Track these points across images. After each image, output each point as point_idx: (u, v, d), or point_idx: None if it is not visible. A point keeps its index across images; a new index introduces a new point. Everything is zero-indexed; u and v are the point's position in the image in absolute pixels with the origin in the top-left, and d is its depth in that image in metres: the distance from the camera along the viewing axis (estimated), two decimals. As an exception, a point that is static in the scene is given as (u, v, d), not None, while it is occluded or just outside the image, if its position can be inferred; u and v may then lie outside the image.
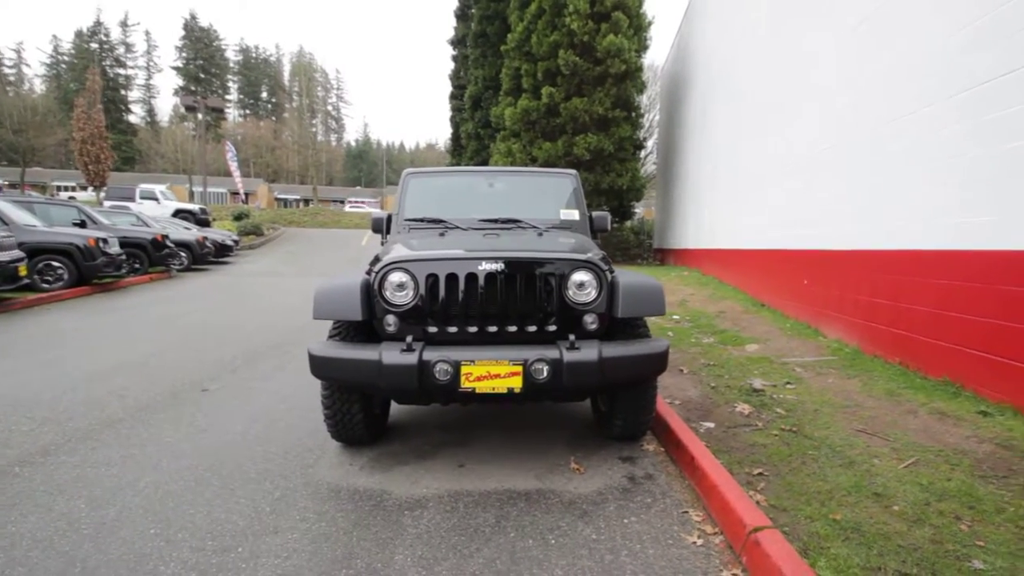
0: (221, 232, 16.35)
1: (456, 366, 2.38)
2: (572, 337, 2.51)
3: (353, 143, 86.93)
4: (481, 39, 17.63)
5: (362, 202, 52.09)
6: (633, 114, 13.54)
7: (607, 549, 2.01)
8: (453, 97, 23.11)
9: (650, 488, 2.50)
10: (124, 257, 9.66)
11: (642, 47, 13.26)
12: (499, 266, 2.60)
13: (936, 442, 2.77)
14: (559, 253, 2.73)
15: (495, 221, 3.85)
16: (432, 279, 2.60)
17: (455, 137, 22.52)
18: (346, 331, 2.77)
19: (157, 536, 2.05)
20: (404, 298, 2.61)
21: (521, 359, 2.41)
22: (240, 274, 12.46)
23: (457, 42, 22.29)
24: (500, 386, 2.40)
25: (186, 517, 2.20)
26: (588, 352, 2.44)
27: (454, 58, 22.69)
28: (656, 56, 26.65)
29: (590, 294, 2.65)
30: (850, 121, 4.97)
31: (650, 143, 20.37)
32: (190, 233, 13.55)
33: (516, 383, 2.40)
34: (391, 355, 2.39)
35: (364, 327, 2.75)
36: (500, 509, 2.30)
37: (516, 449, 2.92)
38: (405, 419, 3.40)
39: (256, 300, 8.48)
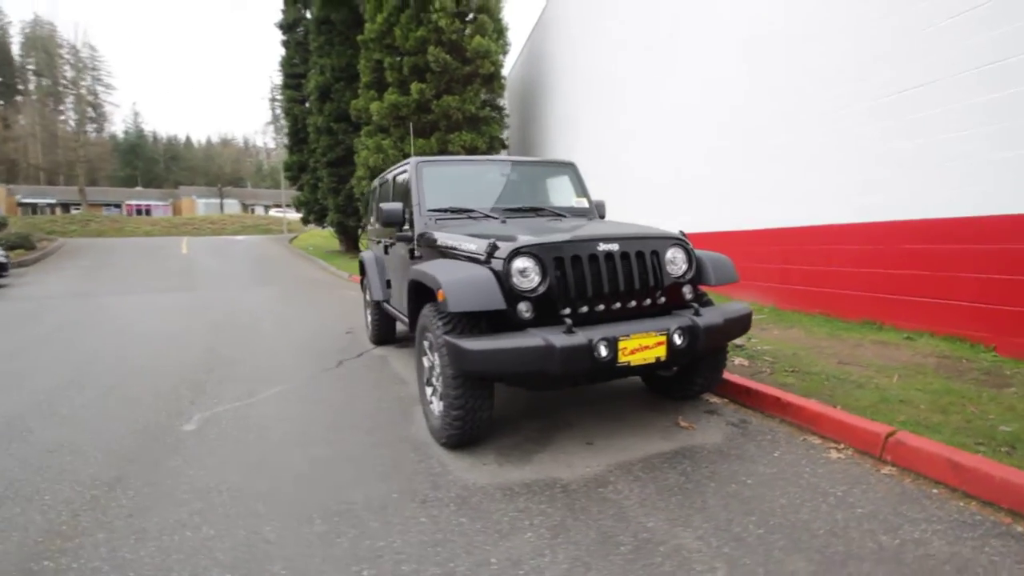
0: (-18, 246, 12.29)
1: (614, 342, 2.45)
2: (696, 305, 2.78)
3: (121, 135, 71.97)
4: (325, 26, 16.30)
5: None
6: (499, 114, 14.08)
7: (786, 478, 2.34)
8: (288, 87, 20.89)
9: (758, 428, 2.91)
10: None
11: (503, 51, 13.85)
12: (615, 246, 2.73)
13: (896, 362, 3.73)
14: (654, 232, 2.95)
15: (519, 209, 3.89)
16: (559, 262, 2.61)
17: (294, 131, 20.41)
18: (462, 324, 2.59)
19: None
20: (531, 283, 2.56)
21: (664, 329, 2.59)
22: (34, 297, 9.57)
23: (289, 26, 20.19)
24: (650, 356, 2.55)
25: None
26: (715, 316, 2.73)
27: (285, 43, 20.49)
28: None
29: (683, 268, 2.93)
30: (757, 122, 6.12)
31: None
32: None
33: (662, 352, 2.57)
34: (561, 338, 2.35)
35: (478, 319, 2.62)
36: (671, 468, 2.46)
37: (616, 423, 3.06)
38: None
39: (100, 331, 6.76)
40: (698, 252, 3.06)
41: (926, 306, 4.08)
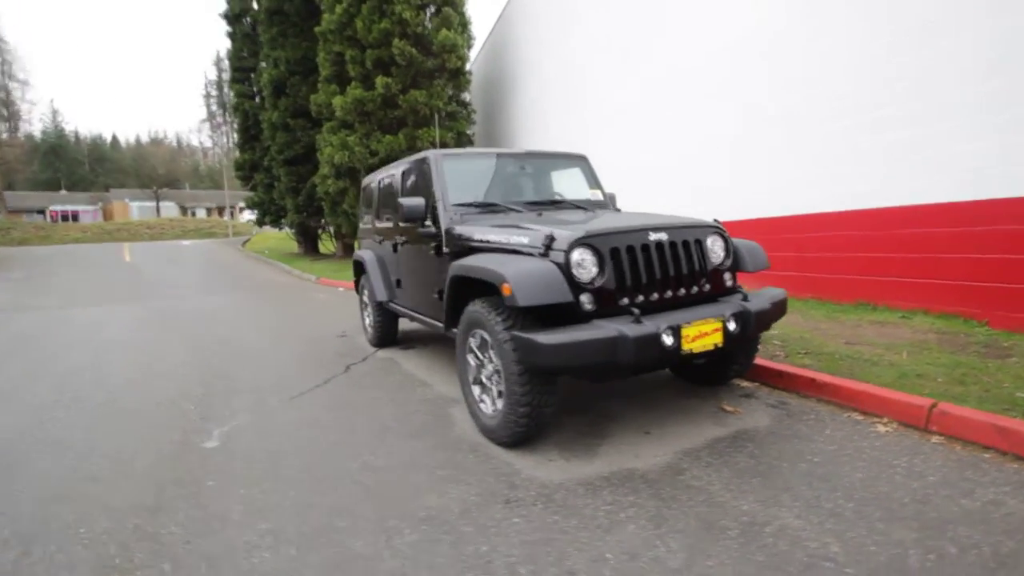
0: None
1: (678, 330, 2.47)
2: (744, 291, 2.85)
3: (39, 135, 66.19)
4: (277, 16, 15.53)
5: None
6: (466, 110, 13.93)
7: (849, 453, 2.43)
8: (237, 81, 19.78)
9: (800, 408, 3.02)
10: None
11: (468, 45, 13.69)
12: (664, 236, 2.75)
13: (899, 339, 3.96)
14: (694, 221, 3.00)
15: (539, 203, 3.86)
16: (614, 252, 2.60)
17: (245, 128, 19.37)
18: (520, 319, 2.54)
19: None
20: (590, 274, 2.54)
21: (720, 315, 2.63)
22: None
23: (235, 17, 19.09)
24: (709, 343, 2.59)
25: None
26: (763, 301, 2.80)
27: (232, 35, 19.36)
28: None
29: (722, 255, 3.00)
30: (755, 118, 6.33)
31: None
32: None
33: (719, 339, 2.62)
34: (633, 329, 2.34)
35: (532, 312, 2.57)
36: (738, 452, 2.51)
37: (662, 412, 3.09)
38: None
39: (67, 343, 6.20)
40: (734, 240, 3.13)
41: (919, 286, 4.35)
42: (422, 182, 3.92)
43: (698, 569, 1.69)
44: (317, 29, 13.57)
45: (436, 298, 3.60)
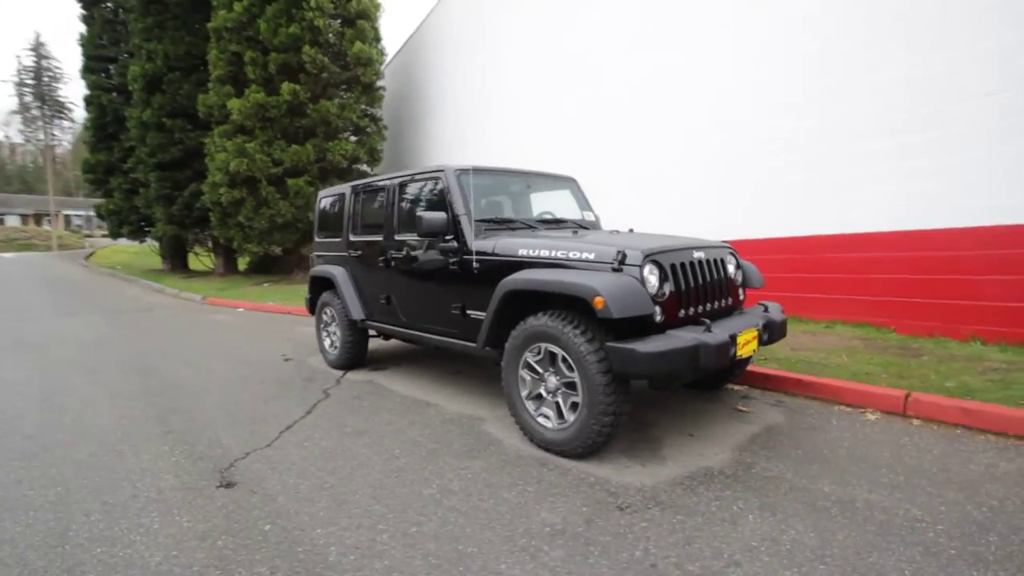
0: None
1: (735, 338, 2.74)
2: (766, 304, 3.24)
3: None
4: (155, 6, 13.63)
5: None
6: (377, 125, 13.54)
7: (866, 437, 2.88)
8: (91, 71, 16.81)
9: (797, 405, 3.47)
10: None
11: (381, 60, 13.39)
12: (703, 254, 3.06)
13: (831, 345, 4.71)
14: (713, 242, 3.35)
15: (547, 221, 3.98)
16: (673, 268, 2.83)
17: (100, 125, 16.48)
18: (592, 331, 2.62)
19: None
20: (654, 288, 2.73)
21: (755, 325, 2.98)
22: None
23: (92, 1, 16.32)
24: (749, 350, 2.91)
25: None
26: (779, 314, 3.22)
27: (88, 19, 16.46)
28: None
29: (738, 273, 3.40)
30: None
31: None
32: None
33: (755, 345, 2.96)
34: (711, 337, 2.56)
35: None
36: (781, 444, 2.83)
37: (685, 416, 3.33)
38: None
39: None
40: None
41: (837, 302, 5.25)
42: (432, 197, 3.82)
43: (836, 544, 1.92)
44: (210, 25, 12.32)
45: (457, 315, 3.52)
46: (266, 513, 2.29)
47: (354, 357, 4.79)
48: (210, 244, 15.72)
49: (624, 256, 2.69)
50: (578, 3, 8.49)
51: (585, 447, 2.65)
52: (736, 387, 3.93)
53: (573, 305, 2.78)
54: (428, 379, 4.44)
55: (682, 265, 2.87)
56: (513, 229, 3.66)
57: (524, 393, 2.94)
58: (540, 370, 2.86)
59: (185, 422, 3.54)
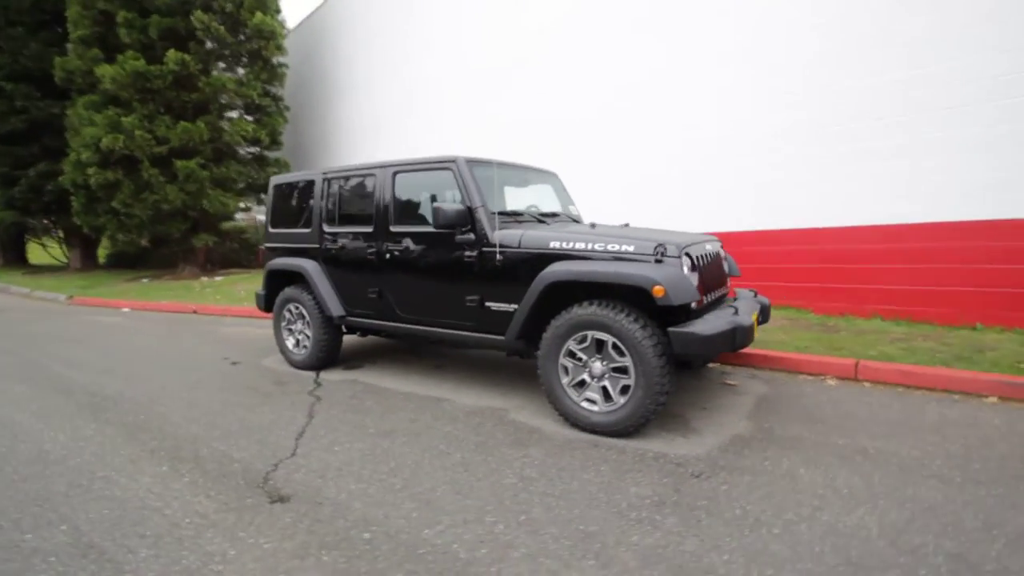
0: None
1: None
2: (755, 291, 3.67)
3: None
4: (-18, -61, 11.05)
5: None
6: (278, 106, 12.42)
7: (843, 399, 3.44)
8: None
9: (769, 377, 4.00)
10: None
11: (283, 35, 12.27)
12: (710, 247, 3.41)
13: (801, 326, 5.46)
14: (711, 236, 3.72)
15: (546, 214, 4.10)
16: (697, 259, 3.13)
17: None
18: (636, 318, 2.82)
19: None
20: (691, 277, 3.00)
21: (756, 309, 3.40)
22: None
23: None
24: (754, 332, 3.31)
25: None
26: (765, 299, 3.68)
27: None
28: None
29: (729, 264, 3.82)
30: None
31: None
32: None
33: (756, 327, 3.37)
34: (743, 320, 2.89)
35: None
36: (787, 410, 3.27)
37: (690, 392, 3.67)
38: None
39: None
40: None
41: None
42: (438, 187, 3.73)
43: (878, 484, 2.32)
44: (65, -29, 10.34)
45: (473, 307, 3.50)
46: (351, 522, 2.15)
47: (327, 357, 4.50)
48: (61, 234, 13.21)
49: (665, 249, 2.92)
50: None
51: (636, 426, 2.84)
52: (712, 364, 4.41)
53: (614, 294, 2.96)
54: (415, 374, 4.33)
55: (700, 257, 3.19)
56: (520, 222, 3.72)
57: (565, 381, 3.06)
58: (584, 357, 3.00)
59: (164, 439, 3.10)
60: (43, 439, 3.14)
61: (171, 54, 10.06)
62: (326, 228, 4.36)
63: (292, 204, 4.74)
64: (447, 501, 2.30)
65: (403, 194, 3.92)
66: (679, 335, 2.68)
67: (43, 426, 3.37)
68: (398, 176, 3.94)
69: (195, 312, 8.48)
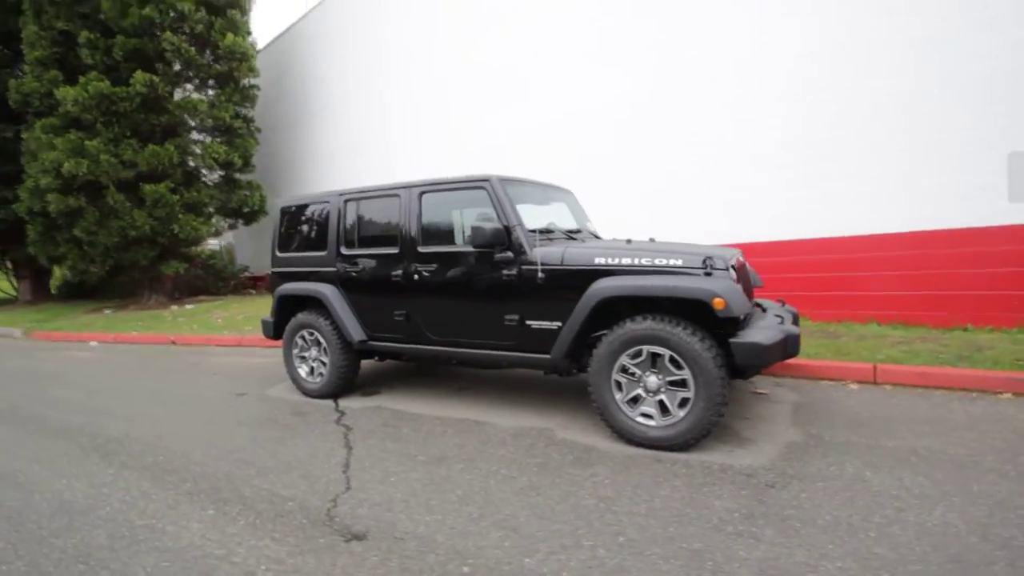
0: None
1: (791, 329, 3.22)
2: (782, 300, 3.79)
3: None
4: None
5: None
6: (248, 128, 12.08)
7: (873, 401, 3.57)
8: None
9: (795, 384, 4.11)
10: None
11: (255, 56, 12.01)
12: (740, 257, 3.51)
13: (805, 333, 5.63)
14: (736, 249, 3.83)
15: (568, 231, 4.12)
16: (738, 271, 3.21)
17: None
18: (699, 329, 2.87)
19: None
20: (739, 289, 3.08)
21: (791, 318, 3.51)
22: None
23: None
24: (792, 339, 3.42)
25: None
26: (793, 309, 3.80)
27: None
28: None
29: (752, 275, 3.94)
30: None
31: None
32: None
33: (794, 335, 3.48)
34: (794, 329, 2.98)
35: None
36: (826, 416, 3.36)
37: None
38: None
39: None
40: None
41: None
42: (470, 207, 3.71)
43: (944, 482, 2.40)
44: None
45: (513, 326, 3.46)
46: (443, 556, 2.05)
47: (345, 384, 4.34)
48: (9, 265, 12.27)
49: (713, 262, 2.99)
50: (495, 13, 8.74)
51: (696, 439, 2.85)
52: (732, 375, 4.50)
53: (660, 307, 3.00)
54: (439, 398, 4.23)
55: (735, 267, 3.27)
56: (550, 239, 3.72)
57: (619, 397, 3.05)
58: (637, 372, 3.00)
59: (197, 480, 2.89)
60: (58, 488, 2.87)
61: (138, 75, 9.66)
62: (344, 251, 4.24)
63: (303, 228, 4.59)
64: (533, 527, 2.23)
65: (431, 214, 3.86)
66: (741, 346, 2.73)
67: (51, 474, 3.09)
68: (425, 196, 3.88)
69: (174, 343, 8.03)
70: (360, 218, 4.22)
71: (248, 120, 12.01)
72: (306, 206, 4.60)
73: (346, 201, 4.29)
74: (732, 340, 2.77)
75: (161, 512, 2.54)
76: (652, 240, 4.21)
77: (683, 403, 2.88)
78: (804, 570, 1.85)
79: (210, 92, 11.12)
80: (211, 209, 11.09)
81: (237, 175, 11.77)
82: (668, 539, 2.09)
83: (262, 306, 10.27)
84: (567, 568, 1.93)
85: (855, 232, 5.60)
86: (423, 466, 2.93)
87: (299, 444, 3.38)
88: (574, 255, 3.31)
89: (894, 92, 5.35)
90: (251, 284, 14.77)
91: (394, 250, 3.97)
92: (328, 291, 4.27)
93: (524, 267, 3.40)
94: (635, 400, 3.03)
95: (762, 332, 2.85)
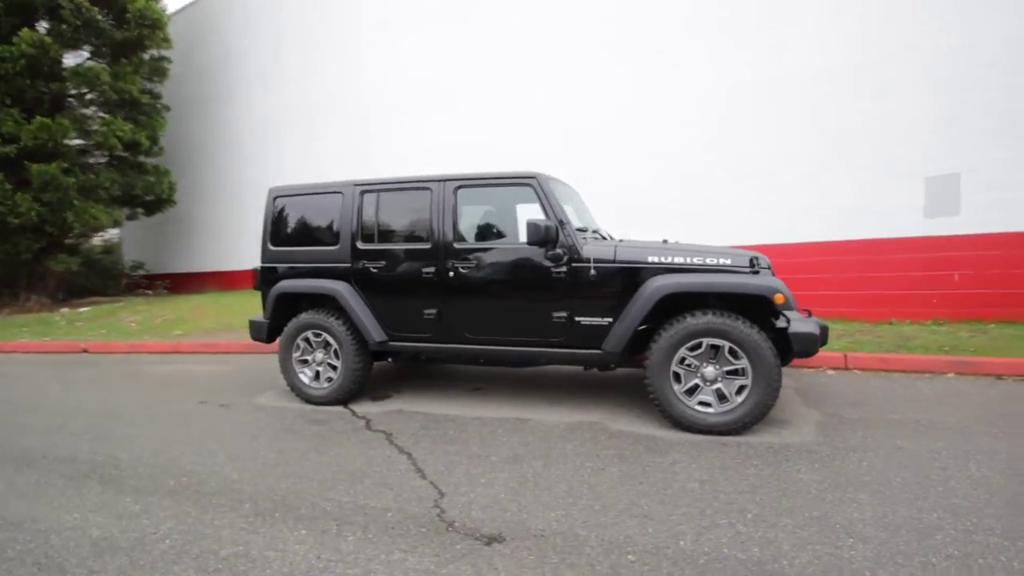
0: None
1: (805, 322, 3.63)
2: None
3: None
4: None
5: None
6: (157, 105, 10.67)
7: (853, 386, 4.13)
8: None
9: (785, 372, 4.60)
10: None
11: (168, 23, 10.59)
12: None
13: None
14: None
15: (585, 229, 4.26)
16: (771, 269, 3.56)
17: None
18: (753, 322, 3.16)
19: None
20: (778, 287, 3.42)
21: (804, 311, 3.94)
22: None
23: None
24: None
25: None
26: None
27: None
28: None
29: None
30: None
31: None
32: None
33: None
34: (823, 321, 3.35)
35: None
36: (833, 399, 3.83)
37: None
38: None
39: None
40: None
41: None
42: (513, 203, 3.69)
43: (985, 445, 2.86)
44: None
45: (561, 323, 3.51)
46: (600, 549, 2.06)
47: (359, 388, 4.09)
48: None
49: (757, 260, 3.29)
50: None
51: (752, 423, 3.13)
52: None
53: (709, 302, 3.26)
54: (461, 399, 4.15)
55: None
56: (584, 238, 3.83)
57: (678, 388, 3.24)
58: (695, 363, 3.21)
59: (256, 501, 2.59)
60: (73, 524, 2.41)
61: (24, 33, 8.11)
62: (361, 245, 3.99)
63: (305, 219, 4.24)
64: (664, 511, 2.32)
65: (469, 210, 3.78)
66: (799, 335, 3.04)
67: (46, 508, 2.58)
68: (461, 191, 3.79)
69: (86, 351, 6.88)
70: (380, 211, 3.99)
71: (156, 96, 10.60)
72: (308, 195, 4.25)
73: (363, 192, 4.03)
74: (791, 331, 3.08)
75: (242, 538, 2.25)
76: (664, 242, 4.50)
77: (739, 390, 3.15)
78: (914, 523, 2.15)
79: (108, 60, 9.63)
80: (111, 195, 9.62)
81: (142, 158, 10.33)
82: (788, 510, 2.29)
83: (181, 308, 9.15)
84: (724, 545, 2.05)
85: (807, 239, 6.40)
86: (505, 465, 2.88)
87: (343, 453, 3.14)
88: (626, 253, 3.45)
89: (840, 128, 6.22)
90: (146, 284, 13.03)
91: (425, 246, 3.82)
92: (343, 288, 3.99)
93: (576, 264, 3.47)
94: (691, 390, 3.24)
95: (808, 324, 3.20)
